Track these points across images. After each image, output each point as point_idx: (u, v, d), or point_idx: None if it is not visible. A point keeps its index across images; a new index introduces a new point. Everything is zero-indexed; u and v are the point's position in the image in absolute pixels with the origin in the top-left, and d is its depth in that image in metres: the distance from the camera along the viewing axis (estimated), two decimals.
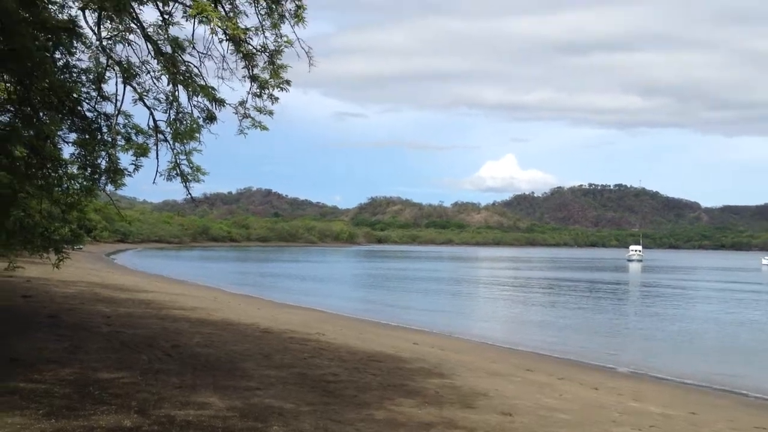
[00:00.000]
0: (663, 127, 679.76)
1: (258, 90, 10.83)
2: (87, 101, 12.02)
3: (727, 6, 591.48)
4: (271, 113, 11.09)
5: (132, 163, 11.42)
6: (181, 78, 10.59)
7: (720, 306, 43.65)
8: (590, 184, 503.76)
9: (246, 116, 11.07)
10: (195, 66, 10.87)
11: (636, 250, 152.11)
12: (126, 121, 11.73)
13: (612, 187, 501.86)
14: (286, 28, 10.22)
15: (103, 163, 12.03)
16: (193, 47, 10.68)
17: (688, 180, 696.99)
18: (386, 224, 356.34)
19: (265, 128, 11.18)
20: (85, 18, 10.77)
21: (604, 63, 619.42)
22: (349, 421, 8.86)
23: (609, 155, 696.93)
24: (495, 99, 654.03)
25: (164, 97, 11.30)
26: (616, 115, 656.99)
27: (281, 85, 10.71)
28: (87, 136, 11.99)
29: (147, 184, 11.55)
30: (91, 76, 11.88)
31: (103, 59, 11.44)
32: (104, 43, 10.86)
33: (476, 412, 10.14)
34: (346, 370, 12.98)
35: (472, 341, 24.65)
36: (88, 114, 12.03)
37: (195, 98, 10.91)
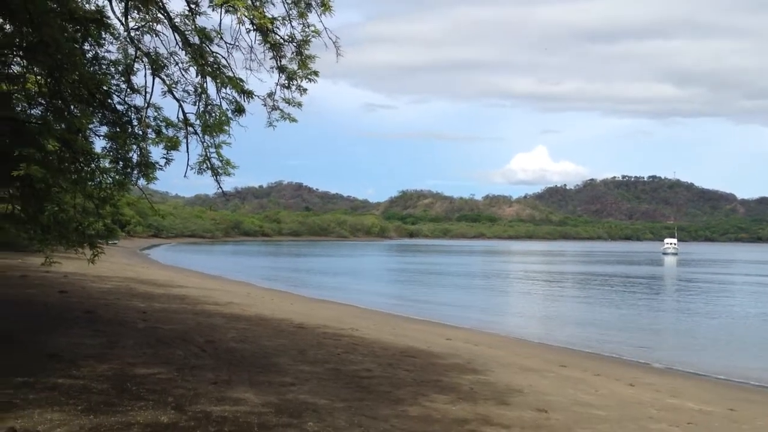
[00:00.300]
0: (697, 117, 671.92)
1: (286, 81, 10.77)
2: (117, 94, 12.08)
3: None
4: (300, 105, 11.03)
5: (163, 157, 11.49)
6: (209, 69, 10.56)
7: (758, 300, 42.90)
8: (623, 176, 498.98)
9: (275, 108, 11.01)
10: (223, 57, 10.84)
11: (671, 243, 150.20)
12: (156, 113, 11.76)
13: (646, 179, 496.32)
14: (313, 18, 10.14)
15: (135, 157, 12.11)
16: (221, 38, 10.63)
17: (723, 171, 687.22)
18: (417, 218, 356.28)
19: (294, 120, 11.15)
20: (112, 8, 10.81)
21: (636, 51, 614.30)
22: (383, 417, 8.84)
23: (642, 146, 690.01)
24: (525, 89, 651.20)
25: (193, 89, 11.30)
26: (649, 105, 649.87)
27: (309, 76, 10.64)
28: (118, 129, 12.05)
29: (178, 178, 11.64)
30: (120, 68, 11.91)
31: (131, 50, 11.48)
32: (132, 33, 10.89)
33: (511, 409, 10.08)
34: (379, 366, 12.97)
35: (505, 336, 24.52)
36: (119, 107, 12.09)
37: (223, 90, 10.90)
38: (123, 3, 10.34)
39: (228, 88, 10.68)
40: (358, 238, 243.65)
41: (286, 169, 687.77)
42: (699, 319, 32.27)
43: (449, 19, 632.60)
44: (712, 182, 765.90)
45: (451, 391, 11.00)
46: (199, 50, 10.46)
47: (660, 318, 33.00)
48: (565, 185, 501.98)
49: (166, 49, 11.14)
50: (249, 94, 10.68)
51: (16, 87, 11.74)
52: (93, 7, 11.17)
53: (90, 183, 12.84)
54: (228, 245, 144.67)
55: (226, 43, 10.67)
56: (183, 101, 11.34)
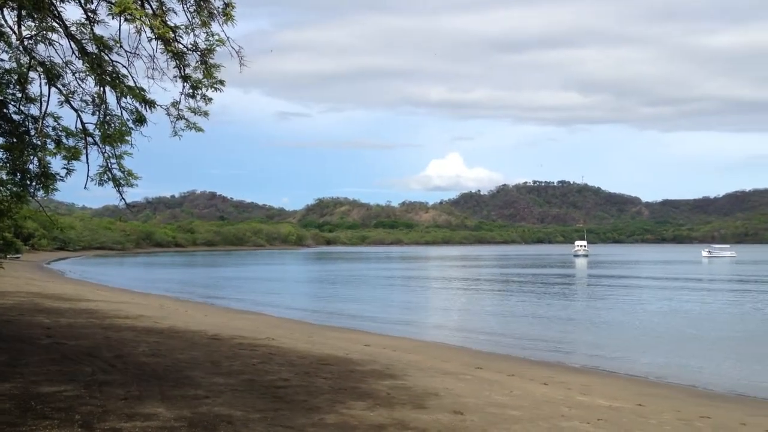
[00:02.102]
0: (602, 124, 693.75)
1: (191, 90, 10.61)
2: (12, 103, 11.64)
3: (660, 3, 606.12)
4: (205, 114, 10.88)
5: (64, 167, 11.10)
6: (108, 79, 10.28)
7: (663, 298, 44.61)
8: (535, 181, 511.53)
9: (180, 118, 10.83)
10: (123, 66, 10.58)
11: (581, 246, 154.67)
12: (56, 123, 11.38)
13: (556, 184, 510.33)
14: (218, 27, 10.02)
15: (33, 168, 11.67)
16: (120, 46, 10.36)
17: (628, 175, 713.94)
18: (334, 225, 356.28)
19: (200, 129, 10.98)
20: (3, 17, 10.40)
21: (542, 60, 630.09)
22: (299, 427, 8.75)
23: (551, 152, 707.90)
24: (438, 97, 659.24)
25: (91, 99, 10.98)
26: (557, 112, 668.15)
27: (215, 85, 10.50)
28: (14, 140, 11.60)
29: (84, 189, 11.21)
30: (15, 77, 11.50)
31: (24, 59, 11.07)
32: (25, 42, 10.49)
33: (427, 412, 10.13)
34: (296, 375, 12.84)
35: (423, 341, 24.70)
36: (15, 117, 11.64)
37: (124, 100, 10.63)
38: (15, 11, 9.91)
39: (128, 97, 10.39)
40: (274, 246, 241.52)
41: (200, 178, 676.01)
42: (609, 317, 33.29)
43: (360, 27, 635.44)
44: (618, 186, 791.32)
45: (369, 397, 10.98)
46: (97, 59, 10.14)
47: (573, 318, 33.88)
48: (479, 191, 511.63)
49: (62, 59, 10.77)
50: (151, 103, 10.44)
51: None
52: None
53: None
54: (140, 257, 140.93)
55: (126, 51, 10.39)
56: (81, 111, 11.00)
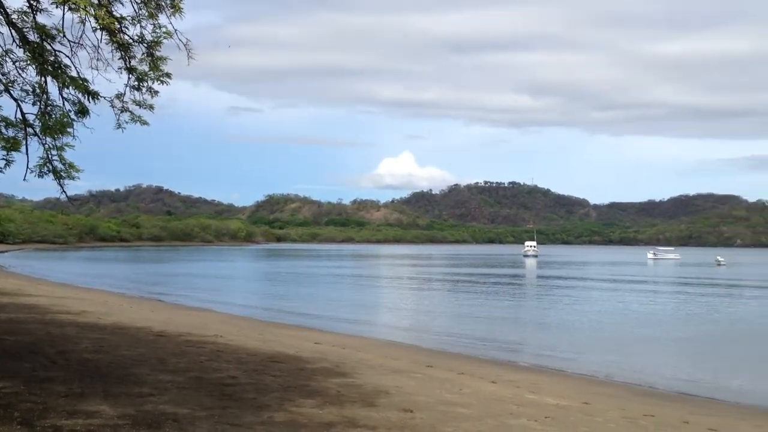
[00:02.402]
0: (553, 126, 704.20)
1: (136, 83, 10.38)
2: None
3: (609, 9, 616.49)
4: (151, 107, 10.67)
5: (3, 158, 10.75)
6: (50, 68, 10.00)
7: (612, 299, 45.39)
8: (486, 182, 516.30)
9: (124, 110, 10.60)
10: (66, 56, 10.28)
11: (531, 246, 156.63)
12: None
13: (506, 185, 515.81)
14: (165, 19, 9.81)
15: None
16: (63, 36, 10.07)
17: (577, 177, 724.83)
18: (285, 222, 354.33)
19: (145, 123, 10.76)
20: None
21: (496, 62, 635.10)
22: (247, 425, 8.60)
23: (503, 153, 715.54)
24: (391, 96, 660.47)
25: (32, 89, 10.66)
26: (509, 114, 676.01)
27: (161, 78, 10.29)
28: None
29: (24, 180, 10.86)
30: None
31: None
32: None
33: (377, 410, 10.07)
34: (245, 373, 12.67)
35: (374, 339, 24.66)
36: None
37: (66, 90, 10.34)
38: None
39: (71, 88, 10.10)
40: (223, 242, 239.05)
41: (146, 172, 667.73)
42: (558, 317, 33.73)
43: (314, 24, 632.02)
44: (567, 188, 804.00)
45: (319, 395, 10.88)
46: (39, 48, 9.83)
47: (522, 317, 34.24)
48: (431, 190, 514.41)
49: (1, 47, 10.42)
50: (94, 95, 10.16)
51: None
52: None
53: None
54: (82, 251, 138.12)
55: (69, 41, 10.09)
56: (21, 101, 10.65)
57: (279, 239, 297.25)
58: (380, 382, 12.99)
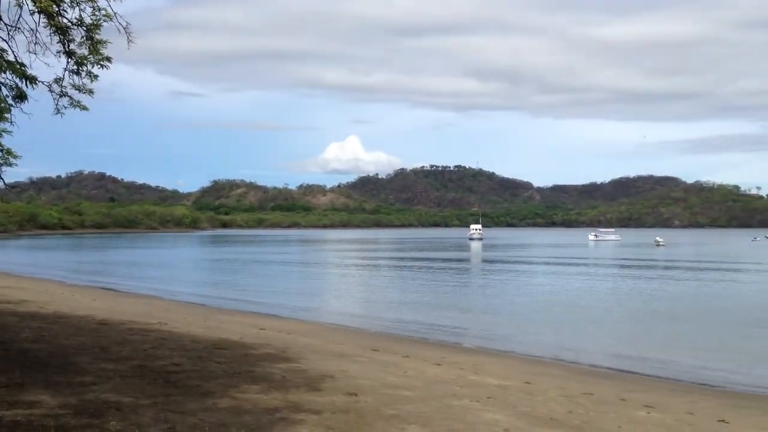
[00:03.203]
0: (498, 110, 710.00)
1: (75, 67, 10.18)
2: None
3: None
4: (91, 92, 10.47)
5: None
6: None
7: (554, 280, 46.29)
8: (432, 166, 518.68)
9: (63, 95, 10.39)
10: (3, 39, 10.02)
11: (476, 229, 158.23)
12: None
13: (452, 168, 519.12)
14: (105, 2, 9.64)
15: None
16: (0, 20, 9.85)
17: (521, 161, 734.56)
18: (231, 208, 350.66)
19: (84, 108, 10.57)
20: None
21: (441, 46, 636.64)
22: (191, 412, 8.61)
23: (449, 137, 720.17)
24: (336, 80, 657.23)
25: None
26: (454, 98, 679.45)
27: (101, 62, 10.12)
28: None
29: None
30: None
31: None
32: None
33: (322, 395, 10.18)
34: (189, 360, 12.63)
35: (319, 324, 24.76)
36: None
37: (3, 75, 10.10)
38: None
39: (7, 72, 9.86)
40: (168, 229, 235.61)
41: (88, 158, 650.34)
42: (502, 299, 34.29)
43: (257, 7, 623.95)
44: (511, 171, 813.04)
45: (263, 381, 10.92)
46: None
47: (467, 299, 34.72)
48: (377, 174, 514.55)
49: None
50: (32, 79, 9.94)
51: None
52: None
53: None
54: (23, 239, 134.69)
55: (6, 25, 9.85)
56: None
57: (225, 225, 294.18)
58: (325, 366, 13.09)
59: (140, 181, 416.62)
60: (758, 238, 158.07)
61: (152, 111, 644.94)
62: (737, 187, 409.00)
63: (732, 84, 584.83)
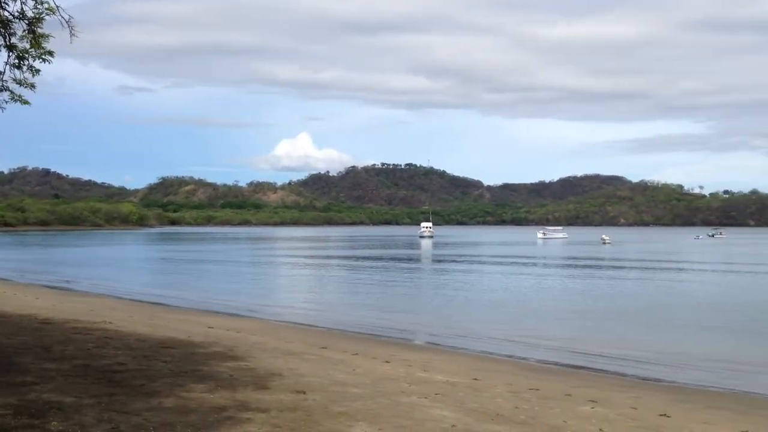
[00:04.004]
0: (449, 108, 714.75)
1: (16, 61, 9.97)
2: None
3: None
4: (32, 86, 10.27)
5: None
6: None
7: (504, 277, 46.78)
8: (383, 164, 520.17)
9: (4, 89, 10.17)
10: None
11: (427, 227, 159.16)
12: None
13: (403, 166, 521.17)
14: None
15: None
16: None
17: (472, 159, 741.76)
18: (179, 205, 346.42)
19: (26, 102, 10.37)
20: None
21: (392, 43, 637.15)
22: (135, 411, 8.49)
23: (400, 135, 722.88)
24: (287, 76, 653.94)
25: None
26: (406, 96, 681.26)
27: (43, 56, 9.92)
28: None
29: None
30: None
31: None
32: None
33: (270, 393, 10.12)
34: (134, 359, 12.45)
35: (268, 322, 24.61)
36: None
37: None
38: None
39: None
40: (114, 227, 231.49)
41: (32, 154, 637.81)
42: (452, 296, 34.53)
43: (208, 1, 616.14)
44: (462, 170, 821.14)
45: (210, 380, 10.82)
46: None
47: (418, 297, 34.88)
48: (328, 172, 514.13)
49: None
50: None
51: None
52: None
53: None
54: None
55: None
56: None
57: (173, 223, 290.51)
58: (274, 364, 13.03)
59: (86, 177, 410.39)
60: (701, 237, 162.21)
61: (99, 106, 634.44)
62: (681, 187, 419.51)
63: (675, 85, 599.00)
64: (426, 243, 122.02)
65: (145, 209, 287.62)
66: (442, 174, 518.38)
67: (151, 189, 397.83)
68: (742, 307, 30.35)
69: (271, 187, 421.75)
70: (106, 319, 19.31)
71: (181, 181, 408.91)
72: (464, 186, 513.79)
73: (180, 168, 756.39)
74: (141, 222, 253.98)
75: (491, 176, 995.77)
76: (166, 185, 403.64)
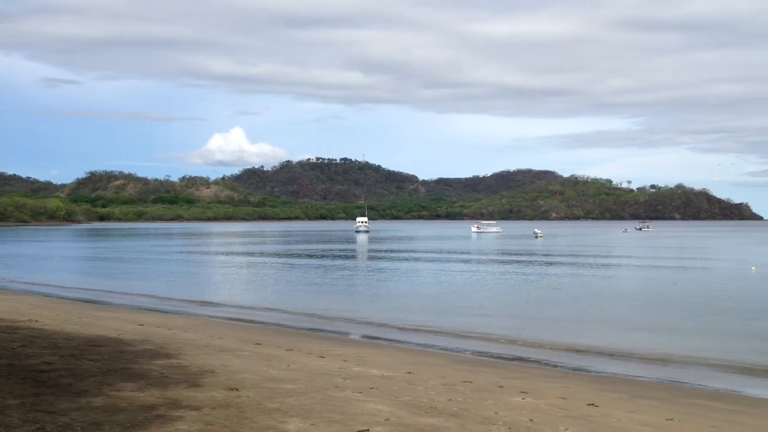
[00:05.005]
0: (384, 103, 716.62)
1: None
2: None
3: None
4: None
5: None
6: None
7: (439, 271, 47.18)
8: (318, 158, 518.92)
9: None
10: None
11: (362, 222, 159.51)
12: None
13: (338, 161, 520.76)
14: None
15: None
16: None
17: (407, 154, 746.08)
18: (109, 200, 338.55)
19: None
20: None
21: (328, 38, 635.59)
22: (62, 411, 8.28)
23: (335, 130, 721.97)
24: (221, 70, 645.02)
25: None
26: (341, 91, 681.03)
27: None
28: None
29: None
30: None
31: None
32: None
33: (202, 390, 9.99)
34: (61, 358, 12.12)
35: (201, 318, 24.30)
36: None
37: None
38: None
39: None
40: (41, 223, 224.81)
41: None
42: (388, 290, 34.67)
43: None
44: (397, 165, 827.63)
45: (141, 378, 10.62)
46: None
47: (353, 291, 34.89)
48: (262, 167, 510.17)
49: None
50: None
51: None
52: None
53: None
54: None
55: None
56: None
57: (102, 218, 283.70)
58: (206, 362, 12.87)
59: (9, 172, 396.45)
60: (629, 230, 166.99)
61: (22, 98, 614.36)
62: (610, 181, 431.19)
63: (605, 83, 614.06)
64: (362, 238, 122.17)
65: (73, 204, 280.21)
66: (377, 169, 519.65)
67: (79, 184, 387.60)
68: (668, 299, 31.31)
69: (204, 181, 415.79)
70: (32, 318, 18.75)
71: (111, 176, 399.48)
72: (399, 181, 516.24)
73: (109, 162, 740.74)
74: (68, 218, 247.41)
75: (426, 171, 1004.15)
76: (95, 180, 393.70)
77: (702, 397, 13.57)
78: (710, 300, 29.99)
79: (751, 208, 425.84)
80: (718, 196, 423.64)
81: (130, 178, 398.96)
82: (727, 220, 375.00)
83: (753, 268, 46.61)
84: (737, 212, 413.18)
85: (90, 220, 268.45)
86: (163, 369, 11.62)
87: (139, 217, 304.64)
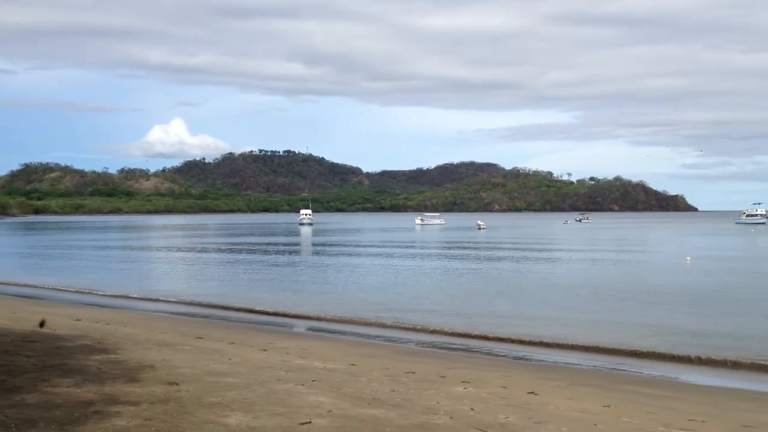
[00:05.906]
0: (327, 96, 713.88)
1: None
2: None
3: None
4: None
5: None
6: None
7: (383, 263, 47.29)
8: (261, 150, 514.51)
9: None
10: None
11: (306, 214, 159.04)
12: None
13: (282, 153, 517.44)
14: None
15: None
16: None
17: (350, 146, 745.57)
18: (44, 193, 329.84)
19: None
20: None
21: (268, 29, 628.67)
22: None
23: (278, 122, 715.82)
24: (159, 60, 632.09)
25: None
26: (283, 82, 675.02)
27: None
28: None
29: None
30: None
31: None
32: None
33: (141, 385, 9.82)
34: None
35: (141, 312, 23.93)
36: None
37: None
38: None
39: None
40: None
41: None
42: (332, 282, 34.62)
43: None
44: (341, 157, 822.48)
45: (77, 374, 10.39)
46: None
47: (298, 283, 34.70)
48: (204, 159, 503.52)
49: None
50: None
51: None
52: None
53: None
54: None
55: None
56: None
57: (37, 211, 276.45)
58: (145, 356, 12.66)
59: None
60: (569, 221, 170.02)
61: None
62: (550, 174, 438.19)
63: (544, 76, 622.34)
64: (306, 230, 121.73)
65: (7, 197, 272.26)
66: (320, 161, 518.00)
67: (13, 176, 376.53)
68: (607, 290, 31.98)
69: (143, 174, 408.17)
70: None
71: (46, 168, 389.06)
72: (343, 173, 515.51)
73: (45, 154, 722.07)
74: (2, 211, 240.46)
75: (370, 163, 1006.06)
76: (30, 172, 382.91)
77: (638, 384, 13.93)
78: (647, 291, 30.75)
79: (687, 199, 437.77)
80: (655, 188, 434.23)
81: (66, 170, 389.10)
82: (663, 212, 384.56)
83: (688, 259, 47.94)
84: (673, 204, 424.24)
85: (25, 213, 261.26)
86: (100, 364, 11.39)
87: (77, 210, 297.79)
